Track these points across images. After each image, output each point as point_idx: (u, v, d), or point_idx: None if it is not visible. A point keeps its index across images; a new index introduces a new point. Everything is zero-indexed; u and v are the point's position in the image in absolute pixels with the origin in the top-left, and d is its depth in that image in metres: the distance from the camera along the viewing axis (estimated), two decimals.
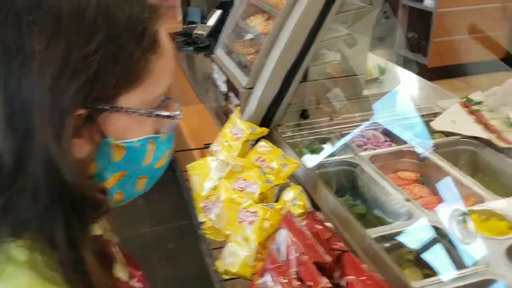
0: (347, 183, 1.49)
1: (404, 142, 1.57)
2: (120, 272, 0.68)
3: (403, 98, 1.92)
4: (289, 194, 1.19)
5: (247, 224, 1.17)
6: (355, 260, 0.92)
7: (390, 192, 1.33)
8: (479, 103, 1.62)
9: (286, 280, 0.87)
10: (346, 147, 1.56)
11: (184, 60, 2.66)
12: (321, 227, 1.03)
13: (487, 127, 1.49)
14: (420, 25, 4.23)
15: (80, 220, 0.55)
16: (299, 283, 0.88)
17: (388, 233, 1.14)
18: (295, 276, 0.89)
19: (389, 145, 1.62)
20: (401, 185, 1.47)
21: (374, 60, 2.16)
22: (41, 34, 0.50)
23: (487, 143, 1.48)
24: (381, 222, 1.29)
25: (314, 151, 1.58)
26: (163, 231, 2.66)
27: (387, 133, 1.68)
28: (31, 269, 0.52)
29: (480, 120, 1.53)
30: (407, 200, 1.28)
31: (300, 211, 1.13)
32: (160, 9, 0.58)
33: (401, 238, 1.16)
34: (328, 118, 1.68)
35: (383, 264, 1.02)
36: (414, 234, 1.17)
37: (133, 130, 0.59)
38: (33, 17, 0.50)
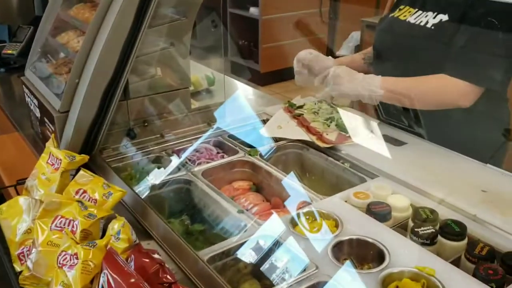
0: (182, 202, 1.43)
1: (236, 152, 1.58)
2: None
3: (234, 107, 1.94)
4: (114, 227, 1.09)
5: (67, 268, 1.03)
6: None
7: (224, 206, 1.31)
8: (300, 107, 1.70)
9: None
10: (179, 165, 1.51)
11: None
12: (147, 260, 0.95)
13: (309, 129, 1.56)
14: (249, 32, 4.40)
15: None
16: None
17: (221, 250, 1.11)
18: None
19: (222, 157, 1.61)
20: (237, 195, 1.47)
21: (202, 71, 2.16)
22: None
23: (311, 144, 1.55)
24: (219, 238, 1.26)
25: (146, 172, 1.49)
26: None
27: (220, 145, 1.67)
28: None
29: (303, 124, 1.60)
30: (240, 211, 1.27)
31: (125, 245, 1.04)
32: None
33: (235, 253, 1.14)
34: (159, 135, 1.61)
35: (216, 284, 0.98)
36: (248, 246, 1.16)
37: None
38: None
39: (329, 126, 1.55)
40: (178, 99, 1.66)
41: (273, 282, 1.10)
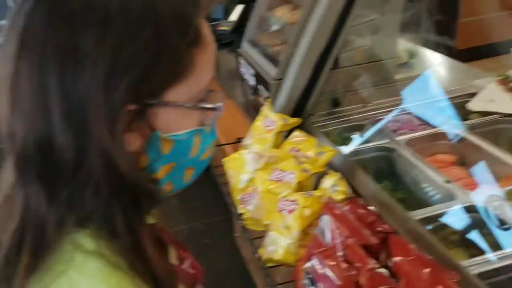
0: (384, 168, 1.47)
1: (440, 125, 1.55)
2: (172, 257, 0.70)
3: (436, 80, 1.89)
4: (328, 182, 1.19)
5: (287, 212, 1.17)
6: (402, 241, 0.92)
7: (430, 175, 1.31)
8: None
9: (334, 263, 0.87)
10: (380, 133, 1.54)
11: None
12: (364, 211, 1.03)
13: None
14: (447, 6, 4.14)
15: (137, 210, 0.58)
16: (347, 265, 0.88)
17: (430, 214, 1.13)
18: (342, 259, 0.89)
19: (424, 129, 1.59)
20: (439, 168, 1.45)
21: (403, 44, 2.13)
22: (92, 34, 0.52)
23: None
24: (422, 205, 1.27)
25: (348, 138, 1.57)
26: (199, 227, 2.69)
27: (422, 117, 1.66)
28: (98, 256, 0.55)
29: None
30: (447, 182, 1.26)
31: (341, 197, 1.13)
32: (201, 1, 0.59)
33: (444, 219, 1.14)
34: (361, 105, 1.66)
35: (428, 245, 1.01)
36: (457, 215, 1.15)
37: (179, 124, 0.60)
38: (85, 18, 0.52)
39: None
40: (382, 70, 1.69)
41: (482, 252, 1.08)
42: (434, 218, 1.13)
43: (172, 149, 0.61)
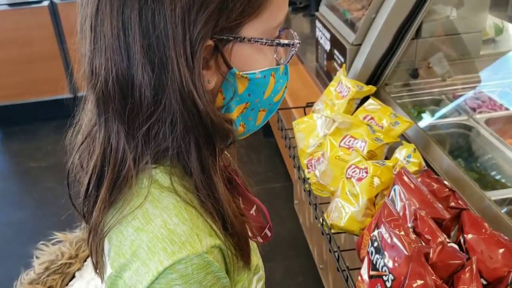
0: (459, 145, 1.41)
1: None
2: (241, 201, 0.71)
3: None
4: (402, 152, 1.16)
5: (355, 180, 1.16)
6: (476, 219, 0.88)
7: (509, 157, 1.25)
8: None
9: (402, 233, 0.85)
10: (459, 109, 1.48)
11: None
12: (437, 185, 0.99)
13: None
14: None
15: (211, 149, 0.59)
16: (416, 236, 0.86)
17: (508, 196, 1.08)
18: (411, 230, 0.88)
19: (506, 109, 1.51)
20: None
21: (489, 19, 2.00)
22: None
23: None
24: (497, 186, 1.22)
25: (424, 112, 1.51)
26: (258, 192, 2.74)
27: (504, 96, 1.57)
28: (172, 192, 0.57)
29: None
30: None
31: (415, 168, 1.10)
32: None
33: None
34: (440, 78, 1.59)
35: (502, 227, 0.97)
36: None
37: (255, 61, 0.60)
38: None
39: None
40: (467, 44, 1.60)
41: None
42: (511, 201, 1.08)
43: (247, 88, 0.61)
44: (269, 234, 0.72)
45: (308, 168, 1.38)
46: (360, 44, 1.54)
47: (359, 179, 1.15)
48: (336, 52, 1.70)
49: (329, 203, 1.21)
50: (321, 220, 1.18)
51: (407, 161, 1.11)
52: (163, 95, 0.55)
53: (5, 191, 2.92)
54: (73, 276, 0.87)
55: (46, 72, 3.40)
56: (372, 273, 0.91)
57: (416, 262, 0.82)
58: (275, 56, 0.63)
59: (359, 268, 0.99)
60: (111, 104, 0.56)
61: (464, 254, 0.83)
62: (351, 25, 1.64)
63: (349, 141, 1.28)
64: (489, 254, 0.84)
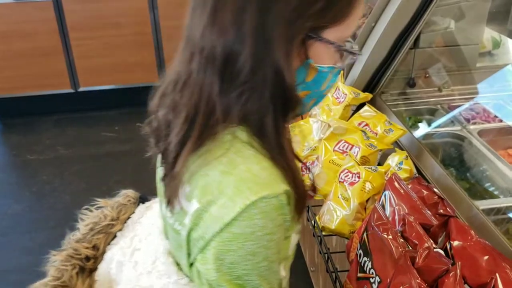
0: (452, 155, 1.44)
1: None
2: None
3: None
4: (394, 159, 1.18)
5: (347, 184, 1.18)
6: (463, 226, 0.91)
7: (499, 168, 1.27)
8: None
9: (390, 237, 0.88)
10: (453, 120, 1.51)
11: None
12: (427, 192, 1.02)
13: None
14: None
15: (285, 116, 0.72)
16: (403, 241, 0.88)
17: (496, 206, 1.11)
18: (399, 234, 0.90)
19: (500, 121, 1.53)
20: (511, 163, 1.40)
21: (487, 32, 2.03)
22: None
23: None
24: (487, 196, 1.24)
25: (419, 120, 1.54)
26: None
27: (498, 109, 1.59)
28: (251, 146, 0.69)
29: None
30: None
31: (406, 175, 1.12)
32: None
33: (509, 213, 1.11)
34: (436, 88, 1.62)
35: (490, 236, 0.99)
36: None
37: (324, 58, 0.71)
38: None
39: None
40: (463, 55, 1.63)
41: None
42: (498, 211, 1.11)
43: (313, 78, 0.73)
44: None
45: (302, 171, 1.41)
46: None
47: (352, 184, 1.18)
48: None
49: (321, 205, 1.24)
50: (312, 222, 1.21)
51: (399, 167, 1.14)
52: (259, 68, 0.66)
53: (3, 182, 2.93)
54: (115, 236, 0.96)
55: (48, 66, 3.43)
56: (359, 275, 0.94)
57: (402, 266, 0.84)
58: (338, 57, 0.74)
59: (348, 271, 1.01)
60: (214, 64, 0.67)
61: (449, 259, 0.86)
62: None
63: (344, 146, 1.30)
64: (474, 261, 0.86)
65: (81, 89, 3.55)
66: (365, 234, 0.96)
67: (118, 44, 3.49)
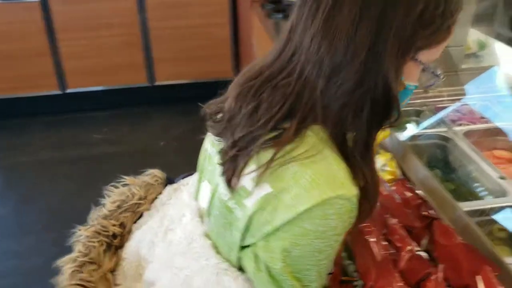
0: (437, 157, 1.44)
1: (502, 120, 1.49)
2: None
3: (504, 75, 1.81)
4: (379, 161, 1.19)
5: None
6: (447, 228, 0.91)
7: (484, 169, 1.28)
8: None
9: (373, 239, 0.88)
10: (439, 121, 1.51)
11: (273, 28, 2.66)
12: (411, 194, 1.02)
13: None
14: None
15: (380, 126, 0.74)
16: (386, 243, 0.89)
17: (480, 208, 1.11)
18: (383, 237, 0.90)
19: (485, 122, 1.54)
20: (496, 164, 1.41)
21: (473, 34, 2.05)
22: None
23: None
24: (471, 198, 1.25)
25: (405, 122, 1.54)
26: None
27: (484, 110, 1.60)
28: (332, 150, 0.72)
29: None
30: (502, 178, 1.23)
31: (390, 177, 1.12)
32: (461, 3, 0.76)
33: (493, 215, 1.12)
34: (422, 90, 1.62)
35: (472, 237, 0.99)
36: (507, 212, 1.12)
37: (413, 77, 0.76)
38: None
39: None
40: (449, 57, 1.63)
41: None
42: (482, 212, 1.11)
43: (400, 92, 0.75)
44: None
45: None
46: None
47: None
48: None
49: None
50: None
51: (383, 169, 1.14)
52: (367, 79, 0.69)
53: None
54: (141, 215, 0.96)
55: (35, 67, 3.40)
56: (343, 278, 0.94)
57: (384, 269, 0.84)
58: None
59: (332, 273, 1.01)
60: (320, 71, 0.69)
61: (431, 262, 0.86)
62: None
63: None
64: (456, 263, 0.87)
65: (69, 90, 3.52)
66: (348, 237, 0.96)
67: (106, 45, 3.46)
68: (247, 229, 0.74)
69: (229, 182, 0.75)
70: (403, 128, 1.55)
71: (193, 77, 3.79)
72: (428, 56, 0.74)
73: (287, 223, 0.68)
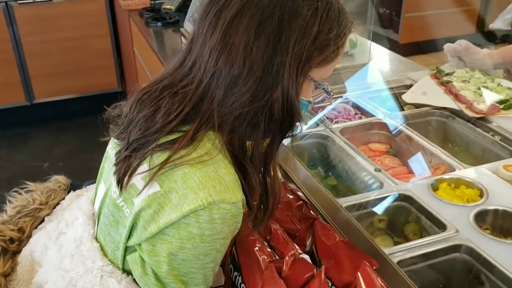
0: (318, 155, 1.48)
1: (375, 115, 1.57)
2: None
3: (374, 71, 1.92)
4: None
5: None
6: (326, 227, 0.92)
7: (361, 163, 1.33)
8: (449, 74, 1.63)
9: (257, 248, 0.86)
10: (317, 121, 1.55)
11: (153, 36, 2.59)
12: (292, 196, 1.02)
13: (458, 97, 1.50)
14: (392, 0, 4.24)
15: (281, 138, 0.80)
16: (270, 250, 0.87)
17: (358, 202, 1.14)
18: (266, 244, 0.88)
19: (360, 118, 1.61)
20: (372, 157, 1.48)
21: None
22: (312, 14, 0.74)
23: (457, 113, 1.49)
24: (352, 192, 1.29)
25: None
26: None
27: (358, 107, 1.68)
28: (225, 156, 0.75)
29: (451, 91, 1.53)
30: (377, 170, 1.28)
31: None
32: (353, 23, 0.82)
33: (371, 207, 1.16)
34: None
35: (354, 232, 1.02)
36: (384, 203, 1.17)
37: (304, 93, 0.80)
38: (303, 18, 0.74)
39: (480, 95, 1.47)
40: None
41: (406, 240, 1.11)
42: (361, 205, 1.15)
43: None
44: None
45: None
46: None
47: None
48: None
49: None
50: None
51: None
52: (264, 93, 0.72)
53: None
54: (43, 220, 0.97)
55: (1, 78, 3.05)
56: None
57: (268, 277, 0.82)
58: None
59: (222, 287, 0.98)
60: (218, 82, 0.73)
61: (313, 265, 0.86)
62: None
63: None
64: (338, 261, 0.88)
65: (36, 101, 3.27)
66: (233, 248, 0.94)
67: None
68: (133, 226, 0.76)
69: (120, 181, 0.76)
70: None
71: (77, 92, 3.59)
72: (321, 74, 0.80)
73: (172, 225, 0.70)
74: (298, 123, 0.80)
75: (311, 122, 1.57)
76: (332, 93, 0.87)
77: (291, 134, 0.82)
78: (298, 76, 0.74)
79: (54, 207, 1.00)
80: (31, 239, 0.94)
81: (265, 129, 0.75)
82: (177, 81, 0.76)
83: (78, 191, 1.02)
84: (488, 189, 1.13)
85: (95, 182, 0.99)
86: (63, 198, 1.01)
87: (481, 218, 1.07)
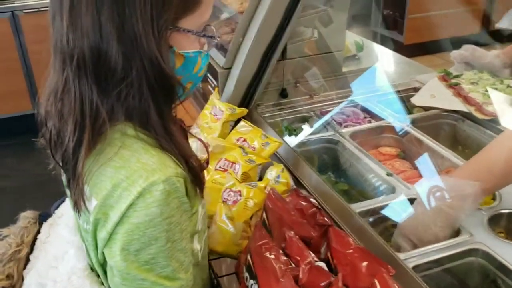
0: (328, 160, 1.48)
1: (384, 118, 1.57)
2: None
3: (382, 74, 1.92)
4: (272, 173, 1.18)
5: (231, 203, 1.15)
6: (340, 234, 0.92)
7: (372, 168, 1.33)
8: (458, 76, 1.63)
9: (273, 256, 0.86)
10: (326, 125, 1.56)
11: None
12: (305, 203, 1.02)
13: (467, 100, 1.50)
14: (396, 1, 4.23)
15: (169, 104, 0.78)
16: (286, 258, 0.87)
17: (371, 207, 1.15)
18: (281, 252, 0.89)
19: (369, 122, 1.62)
20: (382, 161, 1.48)
21: (351, 37, 2.15)
22: None
23: (467, 116, 1.49)
24: (364, 197, 1.29)
25: (295, 130, 1.57)
26: None
27: (367, 110, 1.68)
28: (139, 139, 0.75)
29: (459, 93, 1.53)
30: (389, 174, 1.28)
31: (284, 188, 1.12)
32: None
33: (384, 212, 1.16)
34: (308, 96, 1.67)
35: (368, 237, 1.02)
36: (397, 208, 1.17)
37: (186, 45, 0.79)
38: None
39: (489, 97, 1.47)
40: (330, 62, 1.70)
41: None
42: (374, 211, 1.15)
43: (182, 64, 0.79)
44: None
45: None
46: (231, 68, 1.56)
47: (234, 202, 1.15)
48: (209, 75, 1.70)
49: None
50: None
51: (277, 181, 1.14)
52: (132, 63, 0.71)
53: None
54: (28, 260, 0.97)
55: (7, 86, 3.05)
56: None
57: (285, 285, 0.83)
58: (201, 42, 0.83)
59: None
60: (86, 69, 0.71)
61: (330, 272, 0.86)
62: (222, 48, 1.66)
63: (225, 164, 1.28)
64: (354, 268, 0.87)
65: None
66: (249, 256, 0.94)
67: None
68: (95, 242, 0.78)
69: (75, 205, 0.77)
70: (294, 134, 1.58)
71: None
72: (193, 21, 0.77)
73: (117, 224, 0.72)
74: (179, 86, 0.77)
75: (319, 126, 1.57)
76: (216, 36, 0.83)
77: (179, 99, 0.80)
78: (156, 36, 0.72)
79: (33, 243, 0.99)
80: (24, 281, 0.93)
81: (154, 101, 0.74)
82: (60, 84, 0.74)
83: (49, 220, 1.01)
84: (500, 192, 1.13)
85: (63, 201, 1.01)
86: (38, 231, 1.00)
87: (494, 221, 1.08)
